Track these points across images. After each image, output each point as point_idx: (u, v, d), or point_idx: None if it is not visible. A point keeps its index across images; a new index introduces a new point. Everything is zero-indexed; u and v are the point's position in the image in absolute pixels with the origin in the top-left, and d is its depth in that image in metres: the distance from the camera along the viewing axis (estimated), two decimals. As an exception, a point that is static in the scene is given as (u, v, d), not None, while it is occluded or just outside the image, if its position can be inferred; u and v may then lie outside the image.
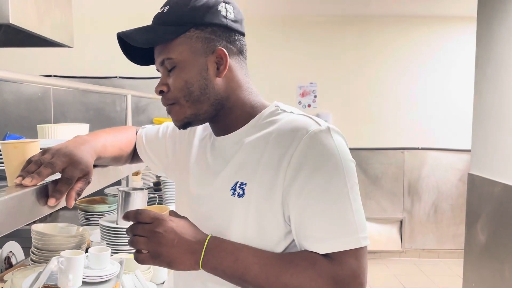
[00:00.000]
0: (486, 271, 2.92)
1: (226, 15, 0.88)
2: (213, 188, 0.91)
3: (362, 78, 4.68)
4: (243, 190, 0.84)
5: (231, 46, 0.89)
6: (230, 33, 0.89)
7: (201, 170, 0.96)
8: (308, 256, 0.80)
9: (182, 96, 0.88)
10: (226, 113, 0.91)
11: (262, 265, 0.80)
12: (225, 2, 0.89)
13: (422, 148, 4.68)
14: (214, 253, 0.80)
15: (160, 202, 2.44)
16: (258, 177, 0.83)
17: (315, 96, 4.69)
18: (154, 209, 0.85)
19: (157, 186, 2.73)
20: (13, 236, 1.89)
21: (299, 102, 4.67)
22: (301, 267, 0.79)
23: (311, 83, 4.68)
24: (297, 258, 0.81)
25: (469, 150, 3.27)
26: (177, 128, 1.07)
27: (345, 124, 4.55)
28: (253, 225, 0.84)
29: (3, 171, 0.84)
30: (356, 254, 0.79)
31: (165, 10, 0.89)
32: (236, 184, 0.86)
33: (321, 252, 0.79)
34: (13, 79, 1.23)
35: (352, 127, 4.52)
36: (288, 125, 0.85)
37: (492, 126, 2.93)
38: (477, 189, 3.05)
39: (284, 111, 0.90)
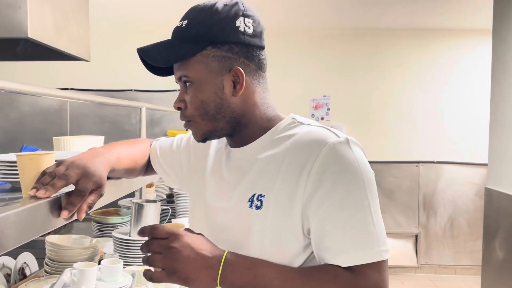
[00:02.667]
0: (504, 288, 2.85)
1: (245, 31, 0.86)
2: (229, 200, 0.90)
3: (375, 90, 4.67)
4: (261, 202, 0.84)
5: (249, 63, 0.88)
6: (248, 50, 0.87)
7: (217, 182, 0.95)
8: (329, 269, 0.79)
9: (198, 114, 0.88)
10: (242, 128, 0.91)
11: (282, 280, 0.78)
12: (244, 16, 0.87)
13: (437, 162, 4.61)
14: (232, 268, 0.78)
15: (173, 214, 2.44)
16: (277, 189, 0.83)
17: (328, 109, 4.68)
18: (170, 226, 0.84)
19: (170, 198, 2.74)
20: (27, 247, 1.91)
21: (312, 114, 4.67)
22: (322, 280, 0.77)
23: (324, 96, 4.68)
24: (318, 272, 0.79)
25: (485, 164, 3.22)
26: (191, 140, 1.08)
27: (359, 137, 4.44)
28: (271, 238, 0.83)
29: (19, 182, 0.85)
30: (379, 267, 0.78)
31: (183, 25, 0.88)
32: (253, 196, 0.85)
33: (343, 265, 0.78)
34: (31, 92, 1.25)
35: (366, 140, 4.48)
36: (306, 137, 0.85)
37: (509, 139, 2.88)
38: (495, 203, 2.99)
39: (301, 123, 0.90)
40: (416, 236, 4.63)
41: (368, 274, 0.77)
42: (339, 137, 0.83)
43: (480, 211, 4.53)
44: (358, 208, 0.79)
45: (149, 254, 0.80)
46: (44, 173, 0.79)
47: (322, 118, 4.66)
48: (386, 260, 0.79)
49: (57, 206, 0.77)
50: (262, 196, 0.84)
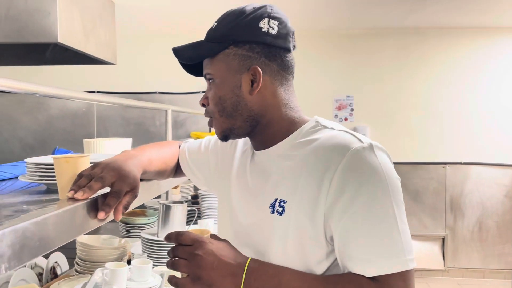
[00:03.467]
0: (537, 293, 2.76)
1: (268, 31, 0.87)
2: (252, 204, 0.91)
3: (400, 90, 4.60)
4: (283, 208, 0.83)
5: (270, 63, 0.88)
6: (270, 50, 0.88)
7: (241, 184, 0.96)
8: (353, 279, 0.77)
9: (217, 111, 0.91)
10: (263, 129, 0.91)
11: None
12: (270, 17, 0.88)
13: (464, 163, 4.51)
14: (256, 276, 0.78)
15: (199, 215, 2.46)
16: (299, 195, 0.82)
17: (352, 110, 4.64)
18: (195, 231, 0.85)
19: (195, 199, 2.77)
20: (59, 247, 1.96)
21: (336, 115, 4.63)
22: None
23: (348, 96, 4.64)
24: (342, 281, 0.78)
25: (516, 165, 3.13)
26: (219, 142, 1.09)
27: (383, 138, 4.46)
28: (293, 243, 0.82)
29: (54, 184, 0.87)
30: (404, 277, 0.76)
31: (214, 26, 0.93)
32: (275, 201, 0.85)
33: (368, 275, 0.77)
34: (62, 95, 1.28)
35: (391, 141, 4.42)
36: (329, 141, 0.83)
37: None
38: (526, 206, 2.90)
39: (325, 126, 0.89)
40: (443, 239, 4.54)
41: (393, 284, 0.75)
42: (362, 142, 0.81)
43: (509, 213, 4.41)
44: (382, 216, 0.77)
45: (174, 259, 0.81)
46: (81, 175, 0.82)
47: (346, 119, 4.62)
48: (412, 269, 0.77)
49: (94, 207, 0.79)
50: (284, 201, 0.83)
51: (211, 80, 0.91)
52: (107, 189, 0.82)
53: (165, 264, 1.69)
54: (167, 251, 0.83)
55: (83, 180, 0.80)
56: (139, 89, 4.45)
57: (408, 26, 4.46)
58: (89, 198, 0.78)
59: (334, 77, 4.61)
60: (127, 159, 0.90)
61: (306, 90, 4.46)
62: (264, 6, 0.90)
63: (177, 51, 0.94)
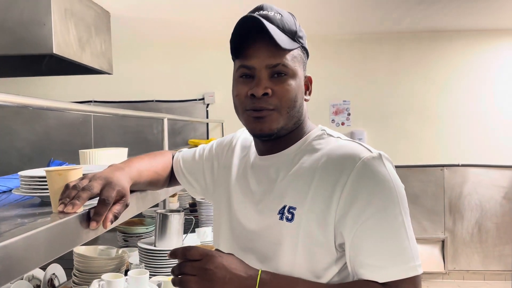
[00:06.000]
0: (537, 294, 2.75)
1: (305, 42, 0.93)
2: (255, 209, 0.91)
3: (396, 94, 4.61)
4: (292, 214, 0.84)
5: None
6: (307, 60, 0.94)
7: (243, 191, 0.96)
8: (365, 286, 0.79)
9: (286, 106, 0.87)
10: (289, 134, 0.93)
11: None
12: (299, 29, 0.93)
13: (462, 165, 4.52)
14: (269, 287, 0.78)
15: (196, 224, 2.46)
16: (309, 202, 0.83)
17: (349, 114, 4.65)
18: (201, 247, 0.85)
19: (193, 207, 2.76)
20: (55, 258, 1.96)
21: (332, 120, 4.64)
22: None
23: (345, 101, 4.65)
24: None
25: (513, 167, 3.13)
26: (213, 149, 1.09)
27: (381, 142, 4.47)
28: (302, 250, 0.83)
29: (48, 196, 0.87)
30: (414, 282, 0.79)
31: (279, 16, 0.88)
32: (284, 208, 0.85)
33: (380, 281, 0.79)
34: (56, 108, 1.29)
35: (388, 145, 4.43)
36: (339, 150, 0.85)
37: (537, 141, 2.80)
38: (524, 207, 2.90)
39: (331, 135, 0.91)
40: (443, 241, 4.54)
41: None
42: (371, 152, 0.84)
43: (508, 214, 4.41)
44: (393, 224, 0.79)
45: (182, 276, 0.79)
46: (67, 187, 0.82)
47: (343, 124, 4.63)
48: (420, 274, 0.80)
49: (86, 219, 0.79)
50: (294, 208, 0.84)
51: (282, 74, 0.86)
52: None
53: (162, 273, 1.69)
54: (171, 270, 0.81)
55: (71, 191, 0.80)
56: (136, 98, 4.46)
57: (404, 30, 4.48)
58: (79, 211, 0.78)
59: (330, 82, 4.63)
60: (114, 171, 0.90)
61: (302, 96, 4.47)
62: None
63: (258, 22, 0.83)
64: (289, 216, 0.84)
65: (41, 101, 1.01)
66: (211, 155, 1.11)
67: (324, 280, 0.84)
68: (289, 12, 0.93)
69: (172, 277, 0.81)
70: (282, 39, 0.85)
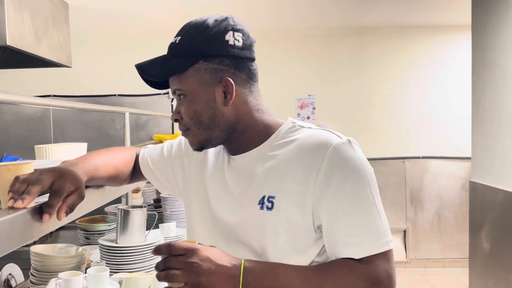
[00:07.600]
0: (491, 280, 2.89)
1: (234, 44, 0.91)
2: (235, 204, 0.94)
3: (360, 88, 4.70)
4: (272, 203, 0.89)
5: (240, 74, 0.92)
6: (238, 61, 0.92)
7: (221, 186, 0.98)
8: (344, 263, 0.84)
9: (193, 124, 0.93)
10: (240, 135, 0.95)
11: (303, 279, 0.83)
12: (233, 30, 0.92)
13: (423, 157, 4.67)
14: (253, 274, 0.82)
15: (160, 219, 2.42)
16: (286, 189, 0.88)
17: (314, 108, 4.70)
18: (185, 242, 0.84)
19: (158, 203, 2.72)
20: (12, 258, 1.88)
21: (298, 114, 4.68)
22: (340, 274, 0.83)
23: (310, 95, 4.70)
24: (334, 266, 0.85)
25: (469, 158, 3.26)
26: (182, 145, 1.12)
27: (345, 135, 4.55)
28: (284, 236, 0.88)
29: (-2, 193, 0.83)
30: (387, 256, 0.84)
31: (177, 41, 0.93)
32: (263, 198, 0.90)
33: (357, 257, 0.84)
34: (12, 101, 1.23)
35: (352, 138, 4.51)
36: (311, 139, 0.91)
37: (491, 133, 2.92)
38: (479, 196, 3.03)
39: (302, 126, 0.96)
40: (405, 231, 4.68)
41: (379, 263, 0.83)
42: (341, 138, 0.90)
43: (466, 204, 4.57)
44: (365, 203, 0.85)
45: (167, 271, 0.80)
46: (17, 180, 0.78)
47: (308, 117, 4.68)
48: (392, 249, 0.86)
49: (38, 213, 0.76)
50: (273, 197, 0.89)
51: (181, 96, 0.92)
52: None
53: (124, 271, 1.66)
54: (155, 266, 0.82)
55: (20, 186, 0.77)
56: (98, 92, 4.34)
57: (366, 26, 4.56)
58: (29, 206, 0.75)
59: (295, 76, 4.66)
60: (67, 166, 0.89)
61: (268, 90, 4.46)
62: (226, 19, 0.92)
63: (143, 68, 0.93)
64: (269, 205, 0.88)
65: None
66: (180, 152, 1.10)
67: (308, 259, 0.89)
68: (205, 20, 0.92)
69: (156, 272, 0.82)
70: (170, 67, 0.91)
